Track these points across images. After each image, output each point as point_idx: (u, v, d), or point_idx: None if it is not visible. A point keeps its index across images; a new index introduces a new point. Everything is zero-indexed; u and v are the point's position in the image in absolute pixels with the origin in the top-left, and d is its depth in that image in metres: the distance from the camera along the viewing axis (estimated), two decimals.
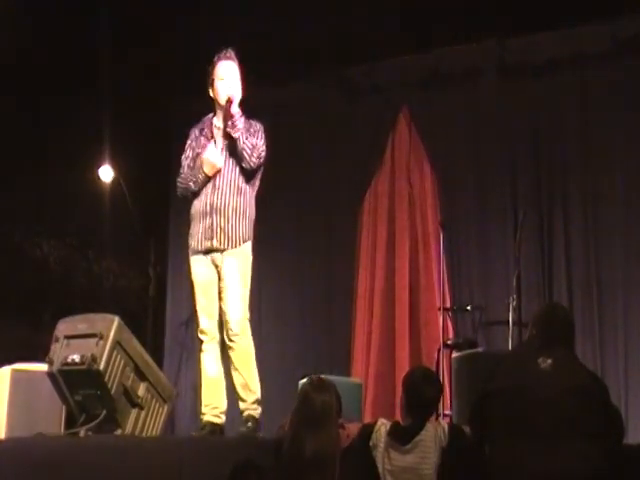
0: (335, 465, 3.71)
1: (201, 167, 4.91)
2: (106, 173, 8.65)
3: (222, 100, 4.94)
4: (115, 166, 8.61)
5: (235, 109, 4.88)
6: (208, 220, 4.86)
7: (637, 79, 6.80)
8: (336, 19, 7.24)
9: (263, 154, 4.93)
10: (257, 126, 4.97)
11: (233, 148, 4.90)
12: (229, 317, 4.79)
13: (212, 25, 7.21)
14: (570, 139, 7.13)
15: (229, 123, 4.88)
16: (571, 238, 7.01)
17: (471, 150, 7.47)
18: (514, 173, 7.28)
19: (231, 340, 4.79)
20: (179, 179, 5.07)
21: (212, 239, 4.84)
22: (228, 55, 4.99)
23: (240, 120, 4.87)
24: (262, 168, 5.02)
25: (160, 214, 8.85)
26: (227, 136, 4.94)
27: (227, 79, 4.94)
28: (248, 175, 4.93)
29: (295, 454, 3.72)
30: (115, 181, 8.69)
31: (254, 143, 4.86)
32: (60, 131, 7.99)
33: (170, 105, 8.51)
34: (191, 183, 4.94)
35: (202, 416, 4.84)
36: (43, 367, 4.88)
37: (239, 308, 4.82)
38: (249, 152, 4.84)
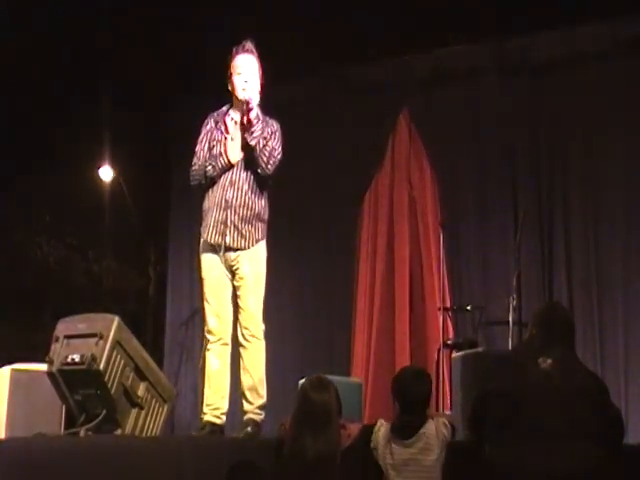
0: (336, 465, 3.71)
1: (224, 153, 4.79)
2: (106, 173, 8.65)
3: (240, 95, 4.82)
4: (115, 166, 8.62)
5: (253, 114, 4.76)
6: (222, 214, 4.77)
7: (637, 79, 6.80)
8: (336, 19, 7.24)
9: (279, 157, 4.84)
10: (274, 127, 4.87)
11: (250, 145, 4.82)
12: (246, 316, 4.75)
13: (212, 25, 7.21)
14: (570, 139, 7.14)
15: (247, 130, 4.78)
16: (571, 238, 7.02)
17: (471, 150, 7.48)
18: (514, 173, 7.28)
19: (246, 340, 4.74)
20: (194, 168, 4.91)
21: (225, 235, 4.75)
22: (247, 48, 4.87)
23: (258, 126, 4.77)
24: None
25: (160, 214, 8.86)
26: (245, 130, 4.84)
27: (244, 73, 4.82)
28: (269, 177, 4.87)
29: (296, 455, 3.71)
30: (115, 181, 8.69)
31: (270, 150, 4.78)
32: (60, 131, 7.99)
33: (170, 105, 8.51)
34: (210, 168, 4.81)
35: (202, 416, 4.82)
36: (43, 367, 4.86)
37: (257, 308, 4.77)
38: (265, 160, 4.76)
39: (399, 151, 7.87)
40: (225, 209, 4.77)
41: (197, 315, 8.00)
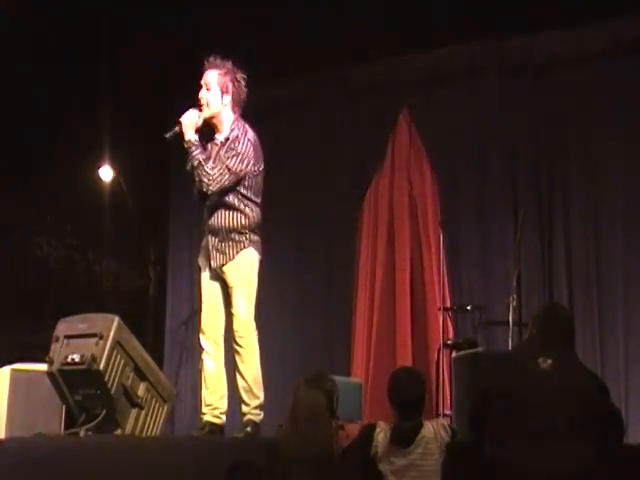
0: (327, 463, 3.70)
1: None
2: (106, 173, 8.65)
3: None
4: (115, 166, 8.61)
5: (187, 134, 4.84)
6: (205, 240, 4.92)
7: (637, 79, 6.80)
8: (336, 19, 7.24)
9: (227, 179, 4.75)
10: (235, 149, 4.79)
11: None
12: (237, 321, 4.80)
13: (212, 25, 7.21)
14: (570, 139, 7.14)
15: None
16: (571, 238, 7.02)
17: (471, 150, 7.47)
18: (514, 173, 7.28)
19: (237, 343, 4.79)
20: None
21: (209, 259, 4.87)
22: (209, 63, 4.90)
23: (191, 148, 4.81)
24: (254, 179, 4.86)
25: (160, 214, 8.86)
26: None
27: (201, 90, 4.90)
28: (237, 192, 4.83)
29: (289, 452, 3.73)
30: (115, 181, 8.69)
31: (205, 171, 4.73)
32: (60, 131, 7.99)
33: (170, 105, 8.49)
34: (196, 179, 4.85)
35: (202, 416, 4.84)
36: (43, 367, 4.87)
37: (247, 313, 4.82)
38: (204, 184, 4.77)
39: (399, 151, 7.86)
40: (207, 234, 4.91)
41: (197, 315, 8.00)
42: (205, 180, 4.77)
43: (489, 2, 6.88)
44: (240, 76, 4.93)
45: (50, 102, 7.79)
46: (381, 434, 3.95)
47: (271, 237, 7.59)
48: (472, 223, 7.38)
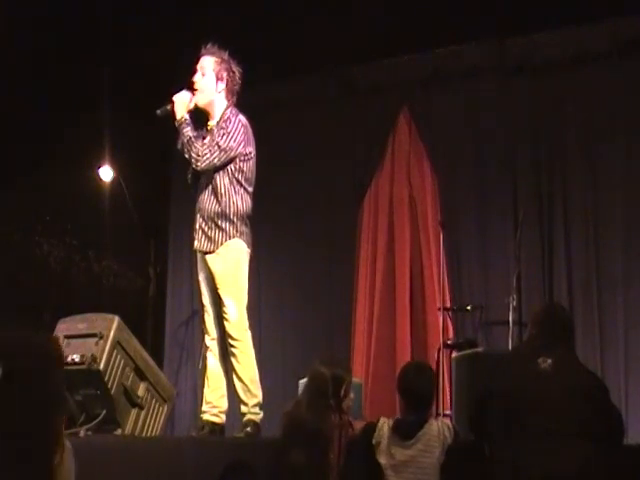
0: (324, 442, 3.76)
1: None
2: (106, 173, 8.64)
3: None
4: (115, 166, 8.61)
5: (179, 113, 4.86)
6: (195, 220, 4.89)
7: (637, 79, 6.81)
8: (336, 19, 7.24)
9: (217, 156, 4.75)
10: (225, 128, 4.80)
11: None
12: (226, 323, 4.79)
13: (212, 25, 7.20)
14: (570, 139, 7.14)
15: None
16: (571, 238, 7.02)
17: (471, 150, 7.48)
18: (514, 173, 7.29)
19: (230, 345, 4.78)
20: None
21: (195, 240, 4.87)
22: (206, 49, 4.93)
23: (182, 126, 4.84)
24: (246, 163, 4.85)
25: (160, 214, 8.85)
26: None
27: (196, 74, 4.91)
28: (227, 173, 4.81)
29: (290, 426, 3.86)
30: (115, 181, 8.68)
31: (197, 150, 4.75)
32: (60, 131, 7.98)
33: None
34: (186, 155, 4.86)
35: (201, 415, 4.85)
36: None
37: (233, 311, 4.78)
38: (193, 160, 4.78)
39: (399, 151, 7.87)
40: (196, 214, 4.89)
41: (197, 315, 8.00)
42: (194, 156, 4.76)
43: (489, 2, 6.89)
44: (235, 68, 4.93)
45: (50, 102, 7.78)
46: (385, 426, 3.99)
47: (271, 237, 7.61)
48: (472, 223, 7.38)
